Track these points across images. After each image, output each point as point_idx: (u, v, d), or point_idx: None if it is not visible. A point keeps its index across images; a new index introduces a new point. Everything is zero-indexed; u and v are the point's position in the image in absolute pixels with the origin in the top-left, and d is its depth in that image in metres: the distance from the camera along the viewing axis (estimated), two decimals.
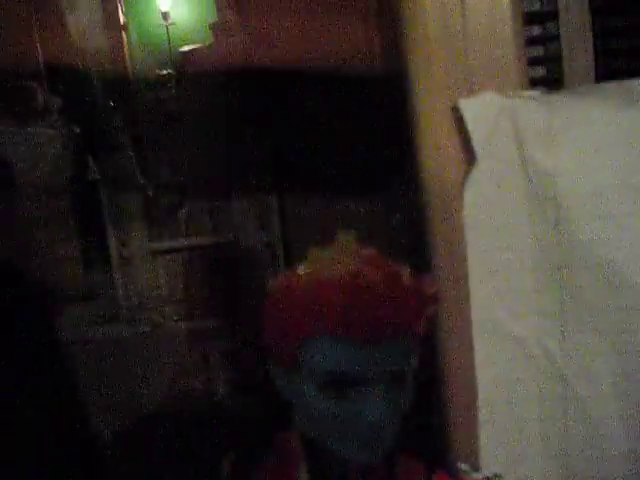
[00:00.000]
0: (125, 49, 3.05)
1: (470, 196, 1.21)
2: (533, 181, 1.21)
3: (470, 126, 1.20)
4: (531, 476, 1.20)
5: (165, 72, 3.14)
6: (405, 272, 0.79)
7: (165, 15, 3.30)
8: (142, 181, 2.92)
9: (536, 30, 1.54)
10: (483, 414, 1.25)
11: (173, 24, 3.31)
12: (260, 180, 2.84)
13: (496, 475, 1.08)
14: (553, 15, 1.50)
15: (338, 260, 0.79)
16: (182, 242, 2.98)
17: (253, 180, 2.87)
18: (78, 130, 2.67)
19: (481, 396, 1.25)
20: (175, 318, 3.01)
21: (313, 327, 0.76)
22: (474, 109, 1.21)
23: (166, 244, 2.97)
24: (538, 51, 1.55)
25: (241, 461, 0.92)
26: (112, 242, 2.92)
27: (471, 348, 1.24)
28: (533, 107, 1.22)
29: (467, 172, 1.22)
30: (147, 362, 2.75)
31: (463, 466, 1.04)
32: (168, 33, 3.29)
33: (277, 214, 2.81)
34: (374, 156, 1.67)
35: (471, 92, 1.22)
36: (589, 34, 1.50)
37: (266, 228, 2.87)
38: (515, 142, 1.21)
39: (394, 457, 0.90)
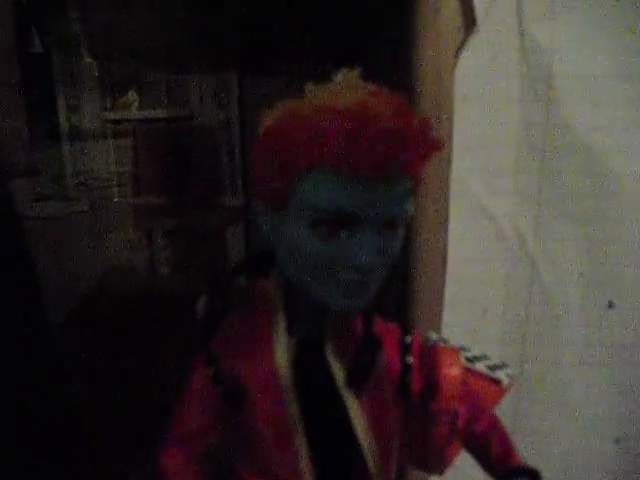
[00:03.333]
0: None
1: (464, 63, 1.16)
2: (529, 56, 1.17)
3: None
4: (489, 356, 1.21)
5: None
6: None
7: None
8: (88, 59, 2.77)
9: None
10: (449, 291, 1.24)
11: None
12: (221, 55, 2.73)
13: (463, 348, 1.07)
14: None
15: (340, 91, 0.73)
16: (135, 114, 2.86)
17: (214, 55, 2.75)
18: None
19: (449, 273, 1.23)
20: (118, 197, 2.92)
21: (311, 158, 0.70)
22: None
23: (118, 114, 2.85)
24: None
25: (214, 305, 0.87)
26: (62, 108, 2.78)
27: (446, 225, 1.21)
28: None
29: (464, 39, 1.16)
30: (83, 240, 2.68)
31: (434, 335, 1.03)
32: None
33: (236, 92, 2.72)
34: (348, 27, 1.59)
35: None
36: None
37: (224, 105, 2.78)
38: (516, 14, 1.16)
39: (371, 313, 0.87)
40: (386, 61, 1.27)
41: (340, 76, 0.77)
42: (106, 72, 2.85)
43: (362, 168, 0.68)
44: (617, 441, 1.32)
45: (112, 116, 2.80)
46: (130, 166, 2.93)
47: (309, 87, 0.76)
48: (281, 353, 0.83)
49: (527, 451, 0.92)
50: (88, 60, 2.79)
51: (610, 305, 1.25)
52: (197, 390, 0.89)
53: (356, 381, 0.84)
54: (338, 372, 0.84)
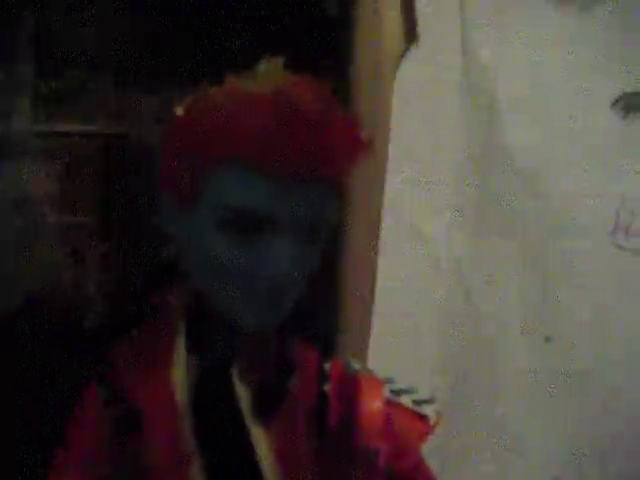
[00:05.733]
0: None
1: (404, 74, 1.10)
2: (471, 70, 1.12)
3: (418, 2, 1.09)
4: (417, 389, 1.13)
5: None
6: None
7: None
8: (23, 68, 2.66)
9: None
10: (378, 317, 1.17)
11: None
12: (163, 74, 2.65)
13: (388, 380, 0.98)
14: None
15: (259, 78, 0.66)
16: (70, 128, 2.74)
17: (156, 73, 2.68)
18: None
19: (378, 297, 1.16)
20: (49, 217, 2.78)
21: (223, 148, 0.62)
22: None
23: (52, 127, 2.72)
24: None
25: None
26: None
27: (377, 246, 1.14)
28: None
29: (405, 49, 1.10)
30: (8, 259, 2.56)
31: (357, 364, 0.93)
32: None
33: None
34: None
35: None
36: None
37: (163, 125, 2.69)
38: (460, 28, 1.12)
39: (287, 334, 0.79)
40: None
41: (262, 65, 0.70)
42: (41, 83, 2.72)
43: (277, 162, 0.61)
44: None
45: (45, 128, 2.66)
46: (63, 184, 2.79)
47: (228, 79, 0.69)
48: (180, 375, 0.74)
49: None
50: (23, 68, 2.66)
51: (547, 340, 1.19)
52: (86, 414, 0.79)
53: (263, 409, 0.74)
54: (244, 398, 0.74)
